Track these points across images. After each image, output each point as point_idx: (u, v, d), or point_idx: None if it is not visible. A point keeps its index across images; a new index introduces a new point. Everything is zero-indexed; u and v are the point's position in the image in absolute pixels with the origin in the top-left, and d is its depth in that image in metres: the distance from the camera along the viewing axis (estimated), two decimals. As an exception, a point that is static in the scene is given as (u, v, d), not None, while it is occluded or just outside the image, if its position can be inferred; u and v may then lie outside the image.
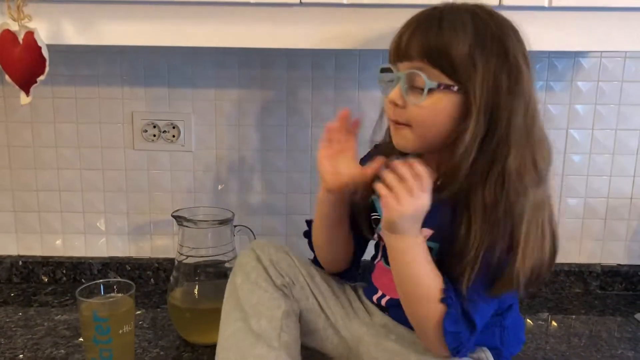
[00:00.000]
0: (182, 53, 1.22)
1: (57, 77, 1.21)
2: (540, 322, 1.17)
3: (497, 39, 0.77)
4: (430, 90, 0.77)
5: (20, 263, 1.29)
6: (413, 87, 0.78)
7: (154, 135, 1.25)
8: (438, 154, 0.82)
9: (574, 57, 1.22)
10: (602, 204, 1.28)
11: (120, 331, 0.93)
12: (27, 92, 0.95)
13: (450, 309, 0.76)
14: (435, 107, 0.78)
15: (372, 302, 0.93)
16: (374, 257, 0.97)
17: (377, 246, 0.95)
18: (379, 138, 0.92)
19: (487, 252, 0.76)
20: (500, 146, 0.77)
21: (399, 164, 0.76)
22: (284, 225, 1.29)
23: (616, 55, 1.22)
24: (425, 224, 0.79)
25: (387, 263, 0.87)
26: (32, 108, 1.24)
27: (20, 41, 0.92)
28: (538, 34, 0.93)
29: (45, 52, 0.93)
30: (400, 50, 0.79)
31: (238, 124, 1.25)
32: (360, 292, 0.97)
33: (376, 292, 0.92)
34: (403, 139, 0.81)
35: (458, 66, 0.76)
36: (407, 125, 0.80)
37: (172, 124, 1.24)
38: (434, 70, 0.77)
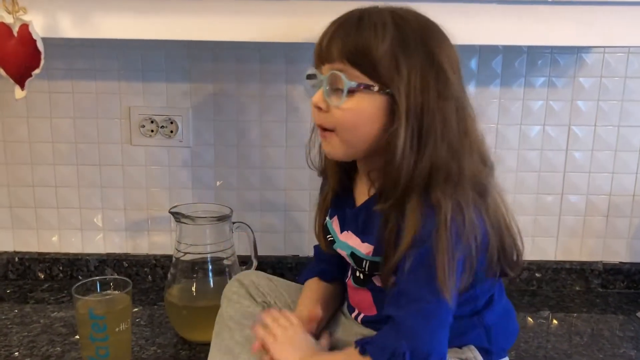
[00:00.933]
0: (180, 47, 1.20)
1: (53, 71, 1.20)
2: (541, 320, 1.16)
3: (420, 39, 0.74)
4: (351, 92, 0.74)
5: (16, 259, 1.28)
6: (335, 90, 0.76)
7: (152, 131, 1.24)
8: (370, 160, 0.80)
9: (577, 52, 1.21)
10: (604, 201, 1.27)
11: (117, 329, 0.92)
12: (22, 87, 0.94)
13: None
14: (357, 108, 0.75)
15: (355, 320, 0.92)
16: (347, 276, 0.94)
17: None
18: (315, 150, 0.89)
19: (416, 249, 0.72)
20: (437, 152, 0.74)
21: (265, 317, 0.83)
22: (283, 221, 1.28)
23: (619, 50, 1.20)
24: (366, 239, 0.81)
25: (355, 282, 0.88)
26: (27, 103, 1.22)
27: (15, 34, 0.90)
28: (540, 29, 0.93)
29: (40, 46, 0.91)
30: (322, 53, 0.77)
31: (237, 120, 1.24)
32: (345, 308, 0.96)
33: (353, 310, 0.91)
34: (329, 146, 0.79)
35: (379, 66, 0.73)
36: (332, 130, 0.78)
37: (169, 119, 1.23)
38: (354, 70, 0.74)
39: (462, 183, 0.74)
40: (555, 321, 1.16)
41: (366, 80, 0.74)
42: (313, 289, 0.95)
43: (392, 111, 0.74)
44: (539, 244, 1.29)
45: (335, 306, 0.95)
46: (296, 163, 1.25)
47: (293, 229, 1.28)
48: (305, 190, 1.26)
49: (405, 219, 0.73)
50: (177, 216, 1.05)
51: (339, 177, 0.88)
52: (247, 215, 1.25)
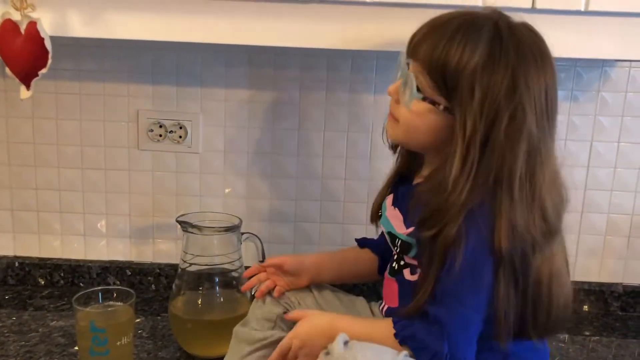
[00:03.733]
0: (191, 50, 1.17)
1: (60, 71, 1.17)
2: (560, 344, 1.12)
3: (512, 68, 0.71)
4: (419, 100, 0.75)
5: (17, 264, 1.25)
6: (408, 87, 0.77)
7: (160, 135, 1.20)
8: (427, 155, 0.83)
9: (602, 66, 1.17)
10: (626, 221, 1.23)
11: (119, 342, 0.89)
12: (28, 86, 0.91)
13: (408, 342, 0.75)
14: (421, 115, 0.76)
15: (380, 312, 0.92)
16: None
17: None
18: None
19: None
20: (500, 195, 0.71)
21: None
22: (292, 233, 1.24)
23: (646, 65, 1.17)
24: (408, 220, 0.81)
25: (390, 273, 0.88)
26: (33, 103, 1.19)
27: (22, 32, 0.88)
28: (567, 40, 0.89)
29: (48, 44, 0.88)
30: (410, 48, 0.77)
31: (248, 126, 1.20)
32: (373, 303, 0.96)
33: (382, 303, 0.91)
34: (392, 129, 0.82)
35: (453, 87, 0.72)
36: (396, 119, 0.80)
37: (179, 124, 1.20)
38: (430, 81, 0.74)
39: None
40: (573, 344, 1.12)
41: (435, 96, 0.74)
42: (342, 250, 1.00)
43: (453, 130, 0.73)
44: (557, 263, 1.25)
45: (350, 275, 0.99)
46: (308, 172, 1.22)
47: (303, 241, 1.24)
48: (316, 200, 1.22)
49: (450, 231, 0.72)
50: (184, 225, 1.01)
51: (406, 158, 0.88)
52: (256, 225, 1.21)
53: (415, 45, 0.76)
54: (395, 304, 0.86)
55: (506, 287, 0.74)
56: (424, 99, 0.75)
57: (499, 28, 0.73)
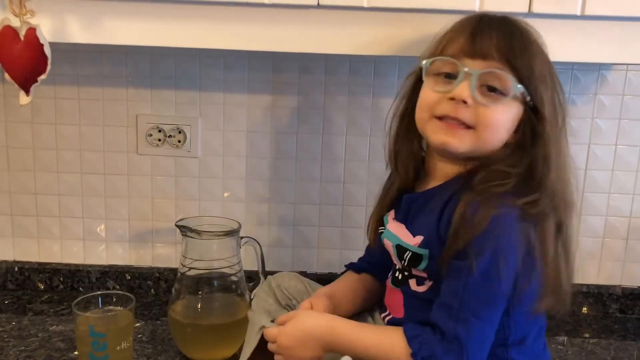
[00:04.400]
0: (190, 54, 1.17)
1: (59, 77, 1.17)
2: (559, 346, 1.12)
3: (554, 72, 0.79)
4: (508, 94, 0.75)
5: (16, 269, 1.24)
6: (488, 88, 0.75)
7: (159, 140, 1.20)
8: (467, 160, 0.80)
9: (599, 69, 1.17)
10: (624, 223, 1.23)
11: (118, 347, 0.89)
12: (27, 92, 0.91)
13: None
14: (505, 111, 0.76)
15: (382, 320, 0.90)
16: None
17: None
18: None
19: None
20: (552, 178, 0.76)
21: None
22: (291, 237, 1.24)
23: (643, 68, 1.17)
24: (416, 229, 0.79)
25: (394, 283, 0.86)
26: (32, 108, 1.19)
27: (22, 38, 0.88)
28: (564, 44, 0.90)
29: (47, 50, 0.88)
30: (476, 47, 0.75)
31: (247, 130, 1.20)
32: (377, 312, 0.93)
33: (385, 311, 0.90)
34: (457, 139, 0.76)
35: (534, 77, 0.75)
36: (470, 127, 0.76)
37: (178, 128, 1.20)
38: (510, 75, 0.74)
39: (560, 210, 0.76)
40: (572, 347, 1.12)
41: (521, 88, 0.75)
42: (344, 279, 0.94)
43: (524, 123, 0.77)
44: (555, 265, 1.25)
45: (364, 302, 0.93)
46: (307, 176, 1.22)
47: (302, 245, 1.24)
48: (315, 204, 1.23)
49: (484, 211, 0.71)
50: (184, 230, 1.01)
51: (413, 165, 0.86)
52: (255, 229, 1.21)
53: (483, 42, 0.75)
54: (400, 314, 0.85)
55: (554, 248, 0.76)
56: (522, 92, 0.75)
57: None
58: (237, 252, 1.04)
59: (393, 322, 0.86)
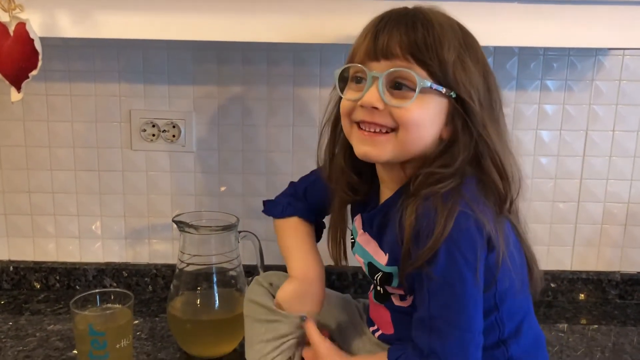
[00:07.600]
0: (182, 47, 1.16)
1: (50, 73, 1.15)
2: (559, 333, 1.12)
3: (477, 46, 0.74)
4: (421, 91, 0.70)
5: (11, 268, 1.23)
6: (396, 88, 0.71)
7: (153, 135, 1.19)
8: (404, 164, 0.76)
9: (595, 55, 1.17)
10: (622, 209, 1.23)
11: (118, 345, 0.88)
12: (18, 89, 0.89)
13: None
14: (422, 108, 0.71)
15: (373, 335, 0.89)
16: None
17: None
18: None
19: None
20: (489, 165, 0.74)
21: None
22: (289, 229, 1.23)
23: (639, 53, 1.16)
24: (384, 246, 0.77)
25: (375, 297, 0.85)
26: (24, 105, 1.18)
27: (11, 33, 0.86)
28: (558, 30, 0.89)
29: (38, 46, 0.87)
30: (378, 48, 0.71)
31: (241, 123, 1.19)
32: (364, 327, 0.92)
33: (372, 324, 0.88)
34: (377, 147, 0.73)
35: (447, 67, 0.70)
36: (390, 130, 0.73)
37: (172, 123, 1.18)
38: (420, 70, 0.70)
39: (505, 199, 0.73)
40: (573, 334, 1.12)
41: (433, 82, 0.71)
42: (302, 239, 0.90)
43: (452, 116, 0.73)
44: (554, 253, 1.25)
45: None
46: (303, 169, 1.19)
47: (300, 238, 1.23)
48: (312, 197, 1.22)
49: (436, 218, 0.69)
50: (181, 225, 1.00)
51: (346, 181, 0.83)
52: (252, 223, 1.20)
53: (385, 42, 0.71)
54: (390, 330, 0.84)
55: None
56: (431, 85, 0.70)
57: (443, 12, 0.75)
58: (235, 246, 1.03)
59: (384, 338, 0.85)
